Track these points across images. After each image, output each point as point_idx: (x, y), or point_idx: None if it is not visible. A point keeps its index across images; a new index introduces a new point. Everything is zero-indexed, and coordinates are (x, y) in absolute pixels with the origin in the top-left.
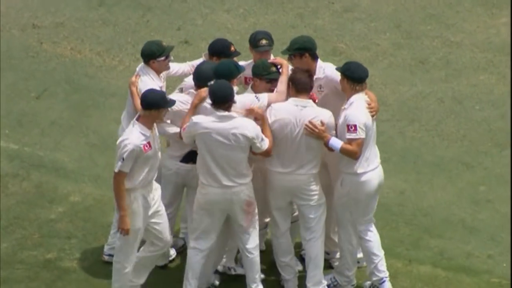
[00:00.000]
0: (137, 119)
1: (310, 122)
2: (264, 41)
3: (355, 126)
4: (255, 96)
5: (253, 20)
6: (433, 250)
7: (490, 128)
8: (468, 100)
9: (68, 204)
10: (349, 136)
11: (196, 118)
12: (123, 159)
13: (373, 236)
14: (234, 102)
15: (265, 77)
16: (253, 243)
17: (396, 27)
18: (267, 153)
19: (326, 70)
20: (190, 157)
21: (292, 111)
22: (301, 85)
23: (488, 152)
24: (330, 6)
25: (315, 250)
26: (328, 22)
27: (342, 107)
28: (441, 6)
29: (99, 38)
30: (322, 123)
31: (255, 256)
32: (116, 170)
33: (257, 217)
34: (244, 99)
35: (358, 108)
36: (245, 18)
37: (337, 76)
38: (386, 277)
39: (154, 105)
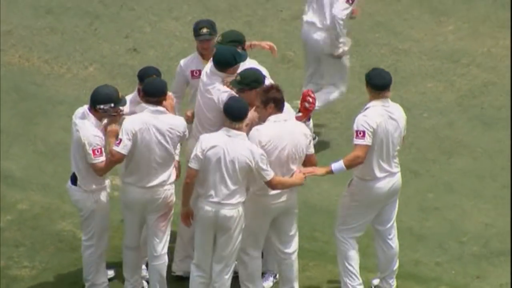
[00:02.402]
0: None
1: (302, 172)
2: (205, 30)
3: (363, 132)
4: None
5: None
6: None
7: (438, 135)
8: (416, 107)
9: (16, 212)
10: (356, 141)
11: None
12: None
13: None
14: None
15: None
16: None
17: None
18: None
19: (246, 65)
20: None
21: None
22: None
23: (436, 160)
24: (279, 14)
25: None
26: (276, 30)
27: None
28: (389, 14)
29: (47, 46)
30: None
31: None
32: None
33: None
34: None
35: (370, 114)
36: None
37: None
38: None
39: None
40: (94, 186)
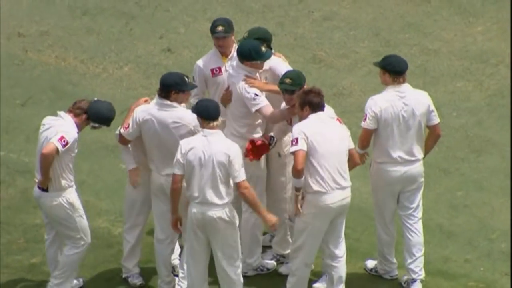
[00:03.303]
0: None
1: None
2: (220, 28)
3: (365, 115)
4: (255, 93)
5: (235, 29)
6: None
7: (467, 134)
8: (446, 107)
9: None
10: (362, 124)
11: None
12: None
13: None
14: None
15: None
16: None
17: (375, 35)
18: None
19: (271, 62)
20: None
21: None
22: None
23: (465, 158)
24: (310, 15)
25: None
26: (308, 30)
27: None
28: (419, 15)
29: (83, 46)
30: None
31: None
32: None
33: None
34: (244, 86)
35: (379, 98)
36: None
37: (281, 68)
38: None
39: None
40: (63, 185)
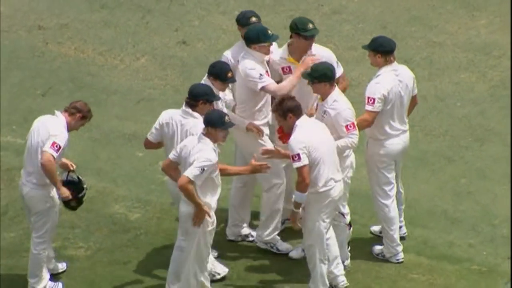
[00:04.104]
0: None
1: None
2: (254, 19)
3: (374, 99)
4: (260, 73)
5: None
6: (417, 239)
7: (471, 124)
8: (450, 97)
9: None
10: (366, 107)
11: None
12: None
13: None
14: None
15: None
16: None
17: (382, 28)
18: None
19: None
20: None
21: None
22: None
23: (468, 147)
24: (320, 9)
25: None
26: (317, 23)
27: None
28: (424, 9)
29: (101, 39)
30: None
31: None
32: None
33: None
34: (248, 66)
35: (382, 80)
36: None
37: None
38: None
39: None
40: (47, 181)
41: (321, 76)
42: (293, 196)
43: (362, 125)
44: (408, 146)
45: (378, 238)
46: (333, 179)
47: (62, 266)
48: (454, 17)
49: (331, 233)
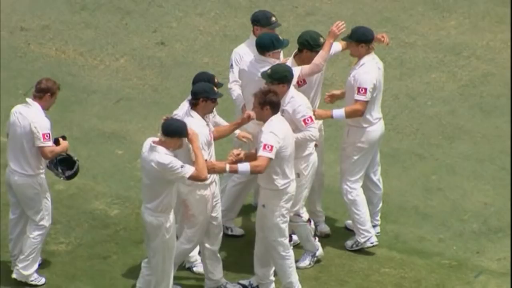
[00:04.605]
0: None
1: None
2: (274, 18)
3: (365, 89)
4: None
5: (223, 23)
6: (388, 234)
7: (441, 122)
8: (421, 96)
9: (53, 192)
10: (358, 97)
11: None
12: None
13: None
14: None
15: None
16: None
17: None
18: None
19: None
20: None
21: None
22: None
23: (439, 145)
24: (294, 10)
25: None
26: (292, 24)
27: (352, 67)
28: (396, 10)
29: (82, 40)
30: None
31: None
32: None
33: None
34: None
35: (369, 70)
36: (216, 21)
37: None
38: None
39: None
40: (38, 170)
41: (281, 78)
42: (239, 166)
43: (355, 115)
44: (383, 134)
45: (351, 233)
46: (291, 177)
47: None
48: (425, 19)
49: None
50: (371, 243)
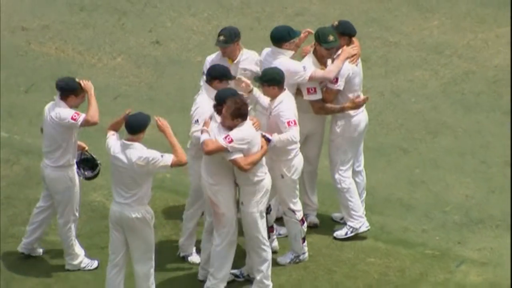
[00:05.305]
0: None
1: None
2: (221, 37)
3: (337, 78)
4: (303, 66)
5: (216, 23)
6: (374, 225)
7: (424, 118)
8: (405, 93)
9: None
10: (329, 85)
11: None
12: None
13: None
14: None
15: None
16: None
17: None
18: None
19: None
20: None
21: None
22: None
23: (422, 139)
24: (284, 11)
25: None
26: (282, 24)
27: (333, 57)
28: (381, 11)
29: (80, 39)
30: None
31: None
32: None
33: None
34: (290, 64)
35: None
36: (209, 21)
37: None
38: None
39: None
40: (69, 160)
41: (270, 80)
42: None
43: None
44: (367, 124)
45: (339, 225)
46: (263, 170)
47: (39, 251)
48: (409, 19)
49: None
50: (366, 227)
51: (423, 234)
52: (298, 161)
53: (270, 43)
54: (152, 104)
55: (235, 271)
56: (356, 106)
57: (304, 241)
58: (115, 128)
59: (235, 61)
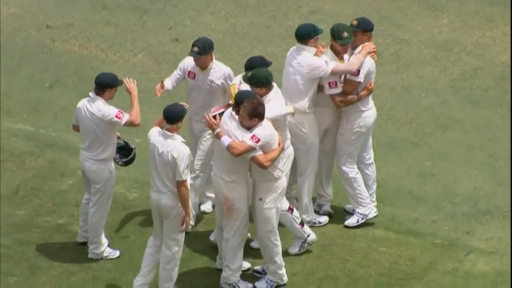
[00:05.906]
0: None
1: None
2: (195, 48)
3: (358, 71)
4: (325, 61)
5: (233, 21)
6: (385, 216)
7: (434, 113)
8: (416, 89)
9: (77, 177)
10: (350, 77)
11: None
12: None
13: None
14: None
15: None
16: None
17: None
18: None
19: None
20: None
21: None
22: None
23: (432, 133)
24: (298, 9)
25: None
26: (297, 23)
27: (353, 52)
28: (393, 9)
29: (103, 37)
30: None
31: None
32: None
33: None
34: (313, 59)
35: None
36: (227, 19)
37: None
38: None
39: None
40: (109, 154)
41: (257, 82)
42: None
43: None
44: (376, 120)
45: (351, 215)
46: (280, 167)
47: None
48: (419, 17)
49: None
50: (375, 212)
51: (432, 225)
52: (289, 152)
53: (285, 40)
54: (171, 99)
55: (258, 267)
56: (370, 92)
57: (303, 225)
58: (160, 125)
59: (204, 70)
